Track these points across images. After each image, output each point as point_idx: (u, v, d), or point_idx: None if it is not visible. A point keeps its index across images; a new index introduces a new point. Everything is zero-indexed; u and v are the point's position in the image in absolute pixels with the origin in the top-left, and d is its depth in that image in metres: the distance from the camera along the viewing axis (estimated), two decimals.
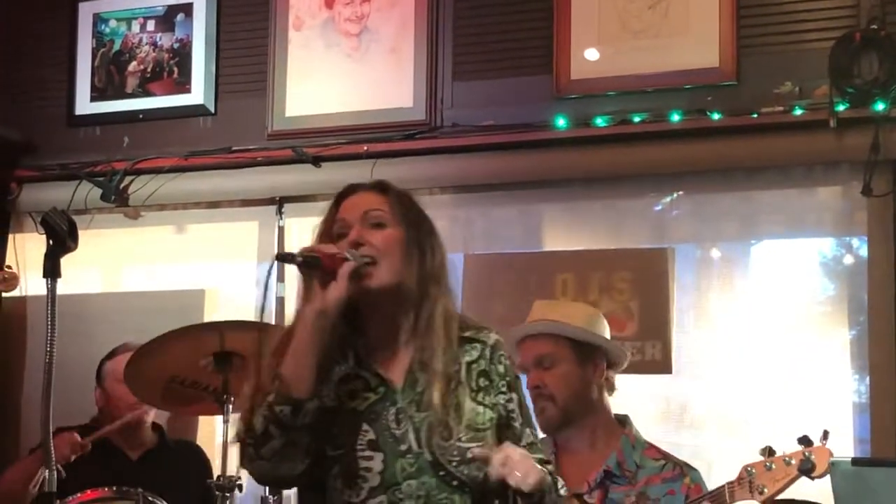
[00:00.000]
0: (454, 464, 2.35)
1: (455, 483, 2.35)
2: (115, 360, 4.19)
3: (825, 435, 2.85)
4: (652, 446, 3.31)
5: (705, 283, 4.49)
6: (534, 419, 2.64)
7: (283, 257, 2.33)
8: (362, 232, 2.39)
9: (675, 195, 4.55)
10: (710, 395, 4.39)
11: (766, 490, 2.86)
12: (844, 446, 3.82)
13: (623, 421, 3.34)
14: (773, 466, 2.86)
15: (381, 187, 2.50)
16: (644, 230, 4.58)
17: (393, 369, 2.42)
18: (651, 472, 3.21)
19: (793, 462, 2.84)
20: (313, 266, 2.31)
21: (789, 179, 4.37)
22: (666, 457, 3.28)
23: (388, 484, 2.33)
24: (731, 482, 2.93)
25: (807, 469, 2.81)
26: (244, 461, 2.34)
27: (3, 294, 5.07)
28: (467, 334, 2.48)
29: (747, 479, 2.90)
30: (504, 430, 2.47)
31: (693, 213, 4.54)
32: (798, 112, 4.22)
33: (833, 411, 4.20)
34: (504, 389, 2.48)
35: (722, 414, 4.37)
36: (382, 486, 2.33)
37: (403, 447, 2.35)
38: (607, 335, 3.41)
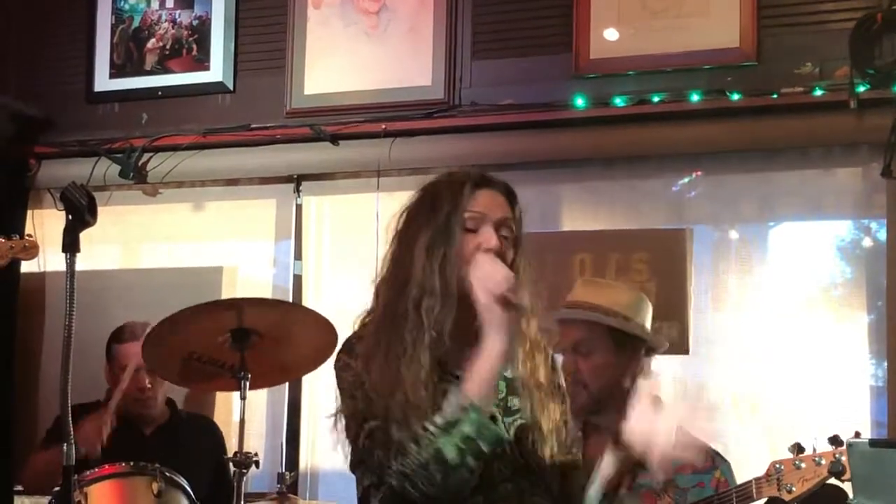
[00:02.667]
0: (543, 469, 2.37)
1: (544, 487, 2.37)
2: (123, 346, 4.21)
3: (856, 436, 2.79)
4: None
5: (723, 265, 4.48)
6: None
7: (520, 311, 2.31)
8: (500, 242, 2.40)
9: (693, 176, 4.53)
10: (726, 376, 4.39)
11: (794, 489, 2.79)
12: (862, 430, 3.79)
13: None
14: (803, 465, 2.80)
15: (512, 197, 2.48)
16: (662, 211, 4.57)
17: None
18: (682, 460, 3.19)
19: (823, 462, 2.78)
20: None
21: (808, 161, 4.35)
22: None
23: (486, 485, 2.31)
24: (759, 478, 2.87)
25: (837, 471, 2.74)
26: (417, 485, 2.23)
27: (23, 270, 5.09)
28: None
29: (775, 477, 2.83)
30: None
31: (711, 194, 4.53)
32: (818, 93, 4.20)
33: (850, 395, 4.20)
34: (563, 400, 2.53)
35: (738, 395, 4.37)
36: (481, 486, 2.30)
37: (498, 449, 2.34)
38: (649, 319, 3.38)
